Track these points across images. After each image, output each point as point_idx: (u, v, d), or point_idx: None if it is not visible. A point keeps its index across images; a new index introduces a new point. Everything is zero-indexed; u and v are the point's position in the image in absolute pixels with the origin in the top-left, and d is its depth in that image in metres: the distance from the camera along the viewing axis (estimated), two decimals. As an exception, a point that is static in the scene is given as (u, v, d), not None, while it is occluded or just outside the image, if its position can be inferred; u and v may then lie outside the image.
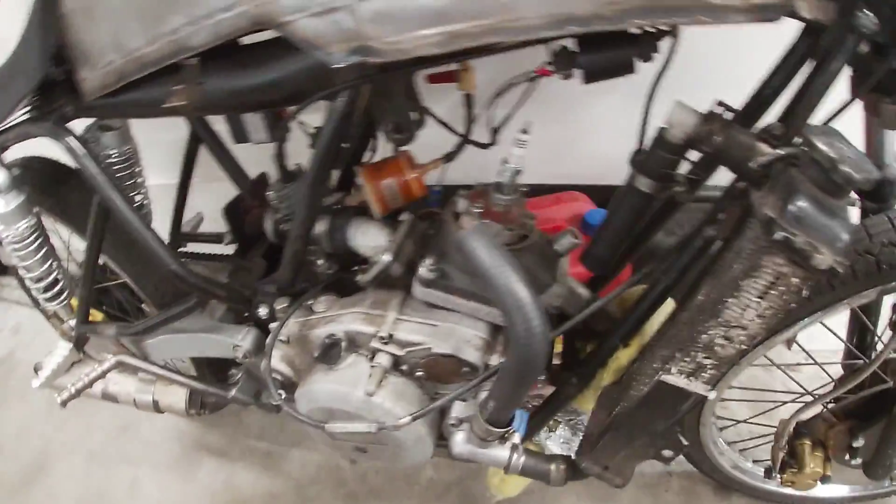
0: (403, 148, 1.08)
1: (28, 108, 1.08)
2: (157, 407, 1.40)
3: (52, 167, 1.34)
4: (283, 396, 1.06)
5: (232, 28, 0.82)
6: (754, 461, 1.44)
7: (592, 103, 1.61)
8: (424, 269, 0.97)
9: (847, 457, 1.20)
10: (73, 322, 1.40)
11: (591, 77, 0.88)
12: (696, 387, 0.85)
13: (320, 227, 1.08)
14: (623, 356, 1.05)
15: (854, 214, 0.76)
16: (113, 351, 1.44)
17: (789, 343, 1.13)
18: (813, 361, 1.28)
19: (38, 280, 1.28)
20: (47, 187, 1.31)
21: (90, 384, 1.18)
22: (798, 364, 1.29)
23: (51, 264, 1.29)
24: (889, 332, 1.06)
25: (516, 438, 0.96)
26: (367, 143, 1.14)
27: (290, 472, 1.63)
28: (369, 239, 1.07)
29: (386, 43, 0.76)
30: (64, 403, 1.18)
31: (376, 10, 0.74)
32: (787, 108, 0.90)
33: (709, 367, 0.84)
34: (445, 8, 0.72)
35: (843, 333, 1.24)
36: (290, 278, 1.11)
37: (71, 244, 1.52)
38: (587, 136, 1.65)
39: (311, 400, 1.05)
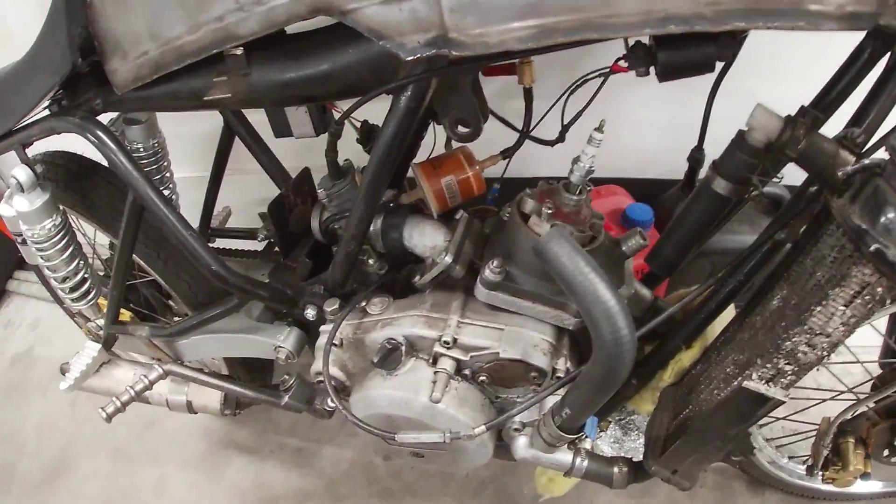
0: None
1: (52, 102, 1.03)
2: (190, 408, 1.37)
3: (77, 162, 1.29)
4: (342, 405, 1.03)
5: (287, 15, 0.77)
6: (790, 457, 1.44)
7: (629, 95, 1.57)
8: (489, 272, 0.94)
9: (886, 453, 1.20)
10: (100, 321, 1.36)
11: (668, 75, 0.84)
12: (776, 392, 0.84)
13: (373, 226, 1.05)
14: (686, 358, 1.03)
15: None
16: (145, 352, 1.41)
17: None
18: (855, 360, 1.28)
19: (64, 280, 1.24)
20: (72, 184, 1.26)
21: (137, 396, 1.14)
22: (840, 362, 1.28)
23: (77, 263, 1.25)
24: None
25: (588, 444, 0.94)
26: (421, 137, 1.10)
27: (323, 468, 1.60)
28: (426, 239, 1.03)
29: (470, 35, 0.71)
30: (109, 418, 1.14)
31: (460, 0, 0.69)
32: (857, 112, 0.88)
33: (789, 373, 0.83)
34: (540, -1, 0.68)
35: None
36: (342, 279, 1.07)
37: (96, 240, 1.46)
38: (624, 128, 1.61)
39: (368, 406, 1.02)
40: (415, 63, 0.81)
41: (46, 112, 1.03)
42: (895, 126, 0.84)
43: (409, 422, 1.00)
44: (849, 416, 1.15)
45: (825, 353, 0.81)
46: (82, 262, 1.27)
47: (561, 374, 0.96)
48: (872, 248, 0.67)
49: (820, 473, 1.20)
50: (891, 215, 0.67)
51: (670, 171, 1.58)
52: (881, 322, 1.27)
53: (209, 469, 1.63)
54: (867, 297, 0.74)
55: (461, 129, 0.93)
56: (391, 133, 0.87)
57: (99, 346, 1.35)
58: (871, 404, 1.19)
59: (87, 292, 1.30)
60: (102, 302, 1.37)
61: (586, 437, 0.92)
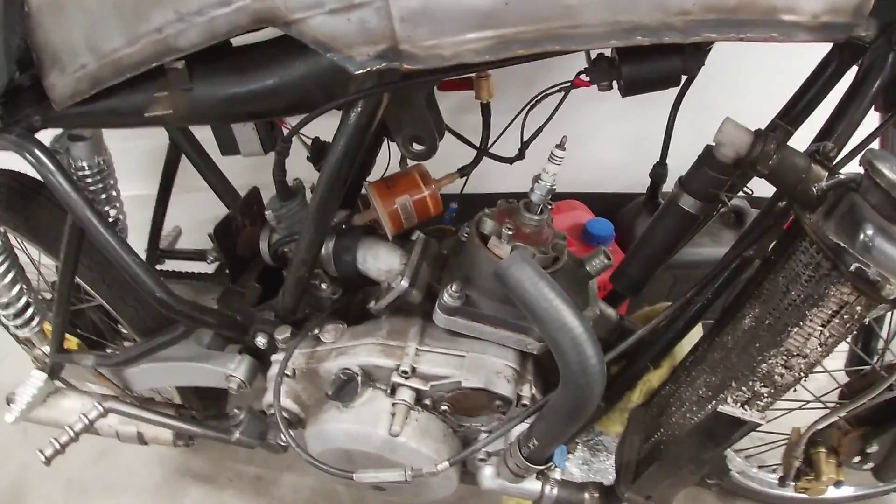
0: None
1: (-10, 118, 0.97)
2: (141, 439, 1.31)
3: (18, 181, 1.22)
4: (295, 442, 0.97)
5: (229, 26, 0.73)
6: (759, 466, 1.42)
7: (588, 108, 1.54)
8: (448, 296, 0.89)
9: (858, 460, 1.19)
10: (46, 348, 1.28)
11: (632, 89, 0.81)
12: (752, 415, 0.81)
13: (325, 249, 0.99)
14: (654, 378, 1.00)
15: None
16: (92, 380, 1.34)
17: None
18: (823, 369, 1.27)
19: (6, 306, 1.18)
20: (14, 203, 1.19)
21: (77, 437, 1.07)
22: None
23: (20, 289, 1.18)
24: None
25: (557, 474, 0.90)
26: (375, 154, 1.05)
27: (283, 497, 1.54)
28: (381, 262, 0.98)
29: (422, 47, 0.67)
30: (48, 461, 1.07)
31: (412, 9, 0.65)
32: (826, 125, 0.86)
33: (765, 395, 0.81)
34: (496, 9, 0.63)
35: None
36: (293, 305, 1.01)
37: (41, 262, 1.39)
38: (584, 142, 1.58)
39: (324, 441, 0.96)
40: (365, 77, 0.76)
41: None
42: (866, 137, 0.83)
43: (368, 456, 0.95)
44: (820, 427, 1.14)
45: (802, 375, 0.79)
46: (24, 286, 1.20)
47: (526, 402, 0.91)
48: (853, 267, 0.65)
49: (792, 484, 1.18)
50: (869, 232, 0.65)
51: (630, 186, 1.55)
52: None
53: (165, 499, 1.55)
54: (846, 317, 0.72)
55: (416, 146, 0.88)
56: (340, 151, 0.82)
57: (45, 375, 1.28)
58: (843, 413, 1.18)
59: (31, 319, 1.23)
60: (48, 327, 1.30)
61: (555, 466, 0.88)
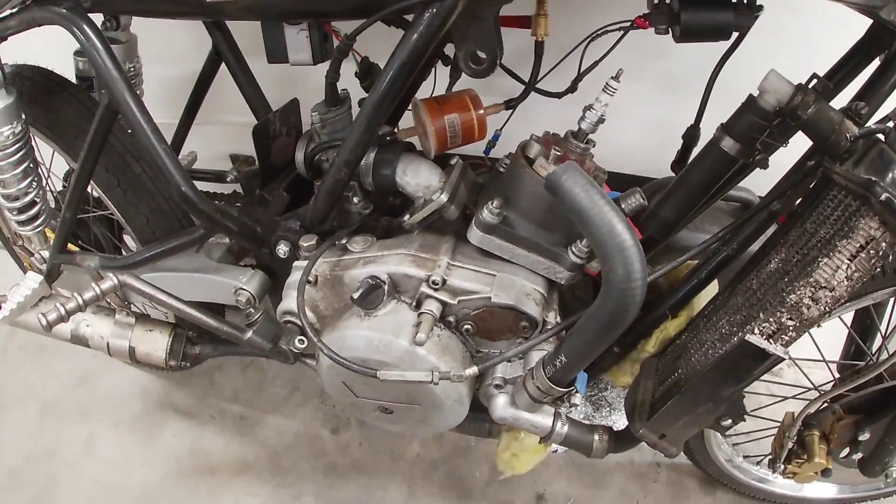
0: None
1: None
2: (132, 355, 1.27)
3: (45, 77, 1.22)
4: (318, 339, 0.96)
5: None
6: (744, 457, 1.44)
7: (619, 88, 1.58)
8: (487, 212, 0.90)
9: (847, 451, 1.21)
10: (44, 253, 1.25)
11: (687, 35, 0.86)
12: (776, 349, 0.83)
13: (365, 159, 0.99)
14: (672, 326, 1.02)
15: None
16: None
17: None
18: (822, 359, 1.30)
19: (14, 199, 1.15)
20: (38, 97, 1.19)
21: (84, 307, 1.04)
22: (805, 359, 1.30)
23: (31, 182, 1.15)
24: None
25: (577, 399, 0.90)
26: (424, 76, 1.06)
27: (266, 438, 1.51)
28: (421, 178, 0.98)
29: None
30: (50, 326, 1.03)
31: None
32: (857, 95, 0.91)
33: (790, 328, 0.83)
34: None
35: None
36: (325, 211, 1.01)
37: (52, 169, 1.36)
38: (608, 120, 1.61)
39: (341, 347, 0.95)
40: None
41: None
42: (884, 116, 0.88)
43: (386, 367, 0.94)
44: (813, 410, 1.17)
45: (827, 309, 0.82)
46: (36, 182, 1.18)
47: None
48: (883, 197, 0.70)
49: (782, 467, 1.20)
50: None
51: (647, 170, 1.58)
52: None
53: (143, 431, 1.51)
54: (871, 252, 0.76)
55: (475, 64, 0.89)
56: (409, 50, 0.83)
57: (41, 277, 1.24)
58: (834, 400, 1.20)
59: (36, 216, 1.20)
60: (49, 234, 1.27)
61: (576, 391, 0.89)
